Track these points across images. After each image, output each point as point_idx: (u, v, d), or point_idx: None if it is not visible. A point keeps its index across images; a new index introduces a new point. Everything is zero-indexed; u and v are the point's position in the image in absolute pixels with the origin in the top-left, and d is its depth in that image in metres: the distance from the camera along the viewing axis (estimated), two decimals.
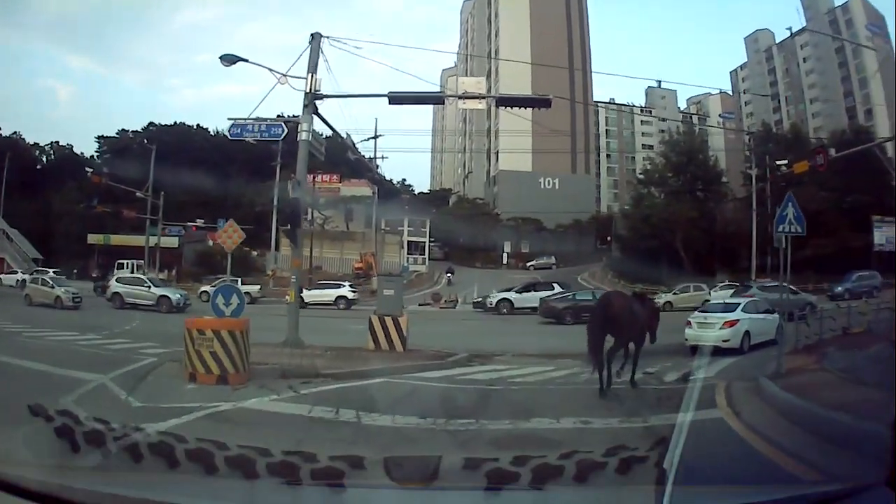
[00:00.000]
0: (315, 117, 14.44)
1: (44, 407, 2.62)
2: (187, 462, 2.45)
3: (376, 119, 79.76)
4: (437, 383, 9.64)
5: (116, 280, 26.80)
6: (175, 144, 51.49)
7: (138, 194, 36.03)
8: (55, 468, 2.50)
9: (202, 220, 42.81)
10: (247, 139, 14.95)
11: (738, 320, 13.99)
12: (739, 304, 15.41)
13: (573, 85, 64.73)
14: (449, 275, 42.29)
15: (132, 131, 60.84)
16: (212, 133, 59.90)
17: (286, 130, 14.75)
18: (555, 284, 29.75)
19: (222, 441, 2.52)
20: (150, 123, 60.50)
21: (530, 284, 30.05)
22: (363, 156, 23.28)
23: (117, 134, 61.18)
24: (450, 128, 78.52)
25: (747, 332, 13.73)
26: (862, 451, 3.60)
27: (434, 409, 7.31)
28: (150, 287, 25.26)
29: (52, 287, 25.06)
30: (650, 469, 2.35)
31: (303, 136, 14.24)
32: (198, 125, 61.90)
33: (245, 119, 14.59)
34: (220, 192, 45.09)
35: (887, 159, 63.92)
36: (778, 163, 40.01)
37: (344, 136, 17.93)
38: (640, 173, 63.09)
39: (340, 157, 52.29)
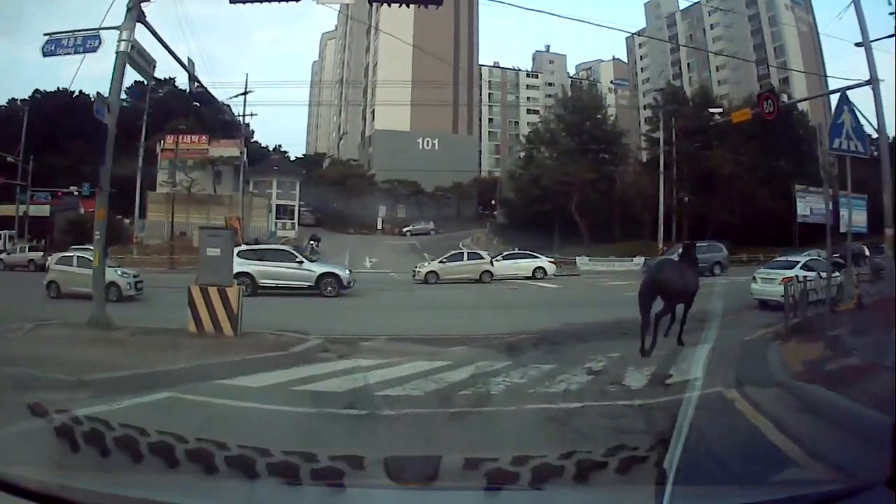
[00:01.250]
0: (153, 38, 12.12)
1: (44, 407, 2.62)
2: (187, 462, 2.45)
3: (247, 74, 79.50)
4: (255, 402, 6.14)
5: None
6: (56, 112, 49.26)
7: (9, 158, 34.91)
8: (55, 468, 2.50)
9: (76, 188, 40.27)
10: (60, 55, 12.22)
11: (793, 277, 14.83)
12: (799, 261, 18.76)
13: (458, 39, 61.95)
14: (312, 243, 37.14)
15: (20, 100, 56.17)
16: (92, 100, 55.86)
17: (102, 41, 12.15)
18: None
19: (222, 441, 2.52)
20: (36, 91, 56.85)
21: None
22: (206, 88, 20.21)
23: (7, 104, 57.13)
24: (328, 94, 74.59)
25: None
26: (862, 451, 3.60)
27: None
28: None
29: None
30: (650, 469, 2.35)
31: (121, 46, 11.66)
32: (80, 92, 54.54)
33: (61, 33, 12.19)
34: (95, 158, 42.56)
35: (809, 128, 62.79)
36: (711, 110, 36.87)
37: (185, 62, 15.29)
38: (529, 132, 59.24)
39: (210, 116, 48.83)
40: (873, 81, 16.06)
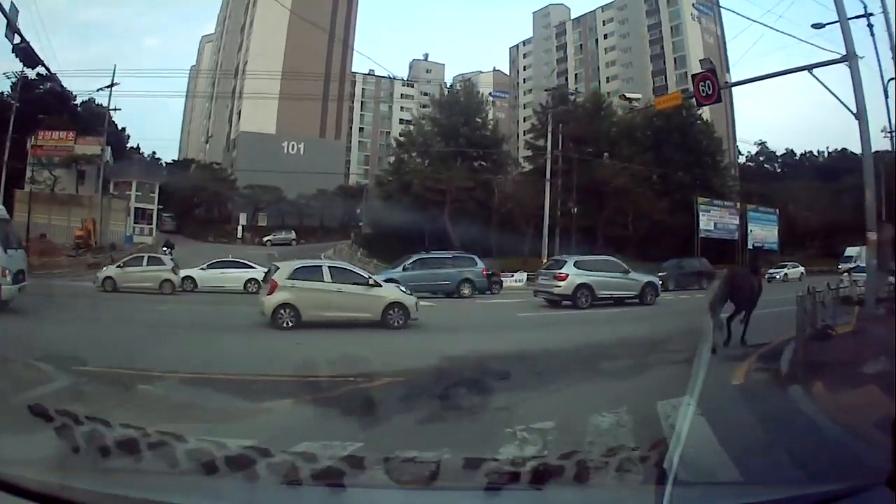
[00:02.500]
0: None
1: (44, 407, 2.62)
2: (187, 462, 2.45)
3: (115, 66, 68.76)
4: None
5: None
6: None
7: None
8: (55, 468, 2.51)
9: None
10: None
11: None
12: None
13: (332, 43, 58.27)
14: (166, 249, 33.82)
15: None
16: None
17: None
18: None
19: (222, 441, 2.52)
20: None
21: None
22: (31, 48, 15.75)
23: None
24: (202, 98, 70.06)
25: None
26: (862, 451, 3.60)
27: None
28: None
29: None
30: (650, 469, 2.35)
31: None
32: None
33: None
34: None
35: (714, 140, 60.69)
36: (629, 95, 33.69)
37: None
38: (401, 135, 55.06)
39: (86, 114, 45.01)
40: (850, 57, 14.17)
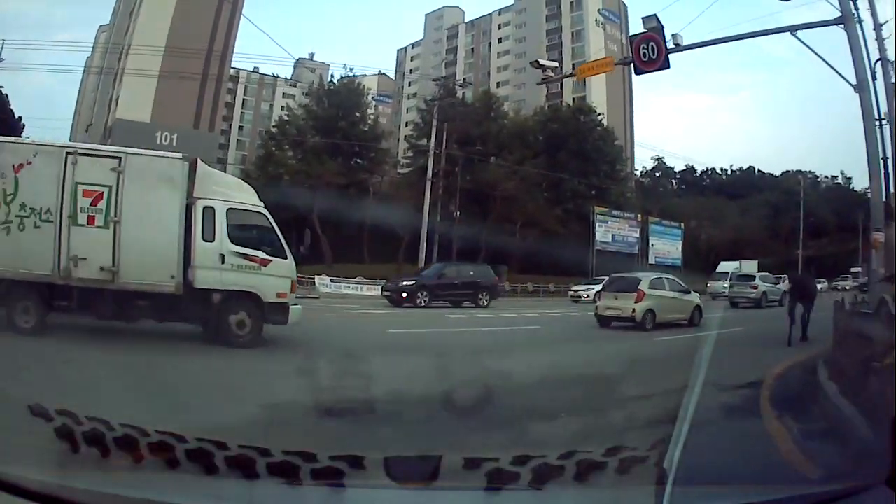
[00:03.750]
0: None
1: (44, 407, 2.62)
2: (187, 462, 2.45)
3: (3, 41, 61.93)
4: None
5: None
6: None
7: None
8: (55, 468, 2.51)
9: None
10: None
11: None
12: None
13: (215, 35, 55.91)
14: None
15: None
16: None
17: None
18: None
19: (222, 441, 2.52)
20: None
21: None
22: None
23: None
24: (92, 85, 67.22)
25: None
26: (862, 451, 3.60)
27: None
28: None
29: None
30: (650, 469, 2.35)
31: None
32: None
33: None
34: None
35: (614, 148, 54.60)
36: (542, 63, 29.55)
37: None
38: (274, 126, 51.57)
39: None
40: (846, 19, 12.46)
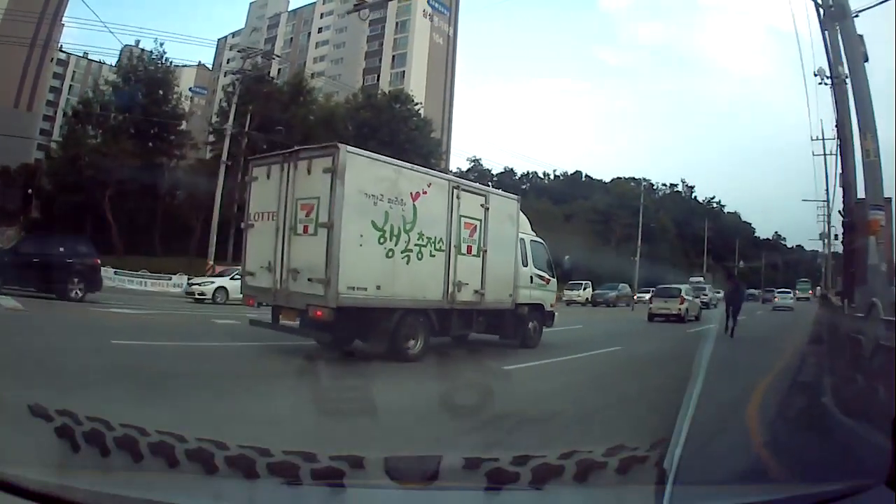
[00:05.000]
0: None
1: (44, 407, 2.62)
2: (187, 462, 2.45)
3: None
4: None
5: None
6: None
7: None
8: (55, 468, 2.51)
9: None
10: None
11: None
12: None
13: (42, 18, 53.86)
14: None
15: None
16: None
17: None
18: None
19: (222, 441, 2.52)
20: None
21: None
22: None
23: None
24: None
25: None
26: (862, 451, 3.60)
27: None
28: None
29: None
30: (650, 469, 2.35)
31: None
32: None
33: None
34: None
35: (431, 140, 52.02)
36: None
37: None
38: (79, 103, 48.29)
39: None
40: None
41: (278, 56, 51.84)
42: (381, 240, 9.71)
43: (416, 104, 51.58)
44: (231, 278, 23.02)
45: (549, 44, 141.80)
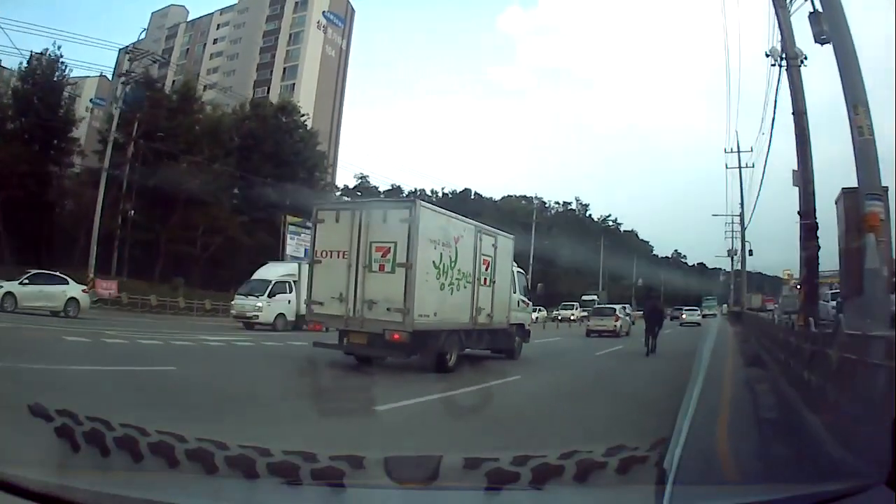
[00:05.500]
0: None
1: (44, 407, 2.62)
2: (187, 462, 2.45)
3: None
4: None
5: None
6: None
7: None
8: (55, 468, 2.51)
9: None
10: None
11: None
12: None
13: None
14: None
15: None
16: None
17: None
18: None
19: (222, 441, 2.52)
20: None
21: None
22: None
23: None
24: None
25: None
26: (862, 451, 3.60)
27: None
28: None
29: None
30: (650, 469, 2.35)
31: None
32: None
33: None
34: None
35: (315, 153, 49.65)
36: None
37: None
38: None
39: None
40: None
41: (162, 58, 50.57)
42: (438, 276, 11.92)
43: (303, 115, 50.68)
44: (20, 283, 22.00)
45: (445, 61, 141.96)
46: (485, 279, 13.42)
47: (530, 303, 17.35)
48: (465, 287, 12.71)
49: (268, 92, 63.34)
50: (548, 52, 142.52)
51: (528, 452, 2.38)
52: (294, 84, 66.43)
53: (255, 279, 25.97)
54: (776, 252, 73.29)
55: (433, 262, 11.72)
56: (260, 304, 24.56)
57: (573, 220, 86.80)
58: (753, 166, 38.44)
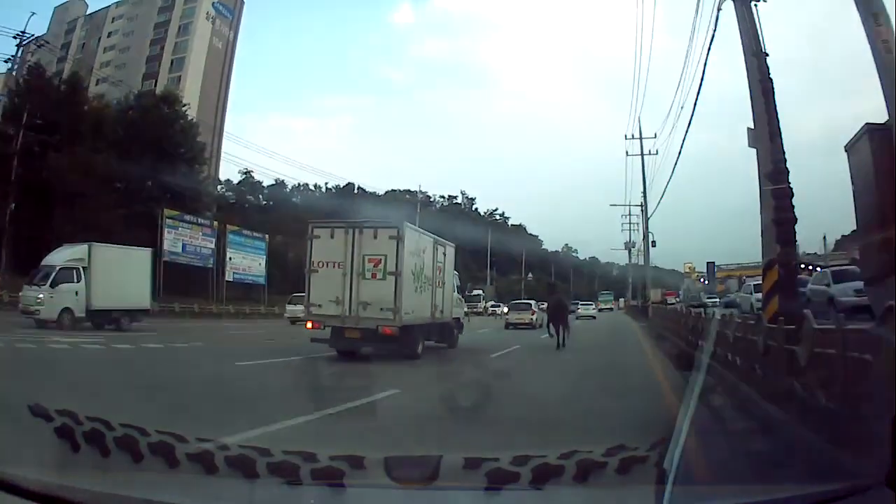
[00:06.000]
0: None
1: (44, 407, 2.62)
2: (187, 462, 2.45)
3: None
4: None
5: None
6: None
7: None
8: (55, 468, 2.51)
9: None
10: None
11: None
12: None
13: None
14: None
15: None
16: None
17: None
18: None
19: (222, 441, 2.52)
20: None
21: None
22: None
23: None
24: None
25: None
26: (862, 451, 3.60)
27: None
28: None
29: None
30: (650, 469, 2.35)
31: None
32: None
33: None
34: None
35: (196, 145, 47.89)
36: None
37: None
38: None
39: None
40: None
41: (47, 42, 48.27)
42: (414, 281, 14.65)
43: (184, 106, 49.84)
44: None
45: (333, 57, 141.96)
46: (439, 282, 16.45)
47: (462, 299, 21.12)
48: (428, 289, 15.62)
49: (155, 84, 62.19)
50: (437, 49, 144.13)
51: (528, 452, 2.38)
52: (179, 76, 65.55)
53: (43, 265, 22.39)
54: (673, 246, 72.83)
55: (412, 270, 14.51)
56: (42, 296, 20.66)
57: (459, 214, 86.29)
58: (657, 153, 37.87)
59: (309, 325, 14.59)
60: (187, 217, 42.39)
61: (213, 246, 44.21)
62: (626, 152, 40.31)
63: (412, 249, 14.52)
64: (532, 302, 35.52)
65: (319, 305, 14.12)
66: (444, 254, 17.02)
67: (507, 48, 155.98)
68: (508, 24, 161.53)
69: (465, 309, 29.57)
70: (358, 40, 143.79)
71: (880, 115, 8.81)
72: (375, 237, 14.01)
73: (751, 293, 24.57)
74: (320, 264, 14.16)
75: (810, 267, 31.44)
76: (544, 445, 2.70)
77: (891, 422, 2.19)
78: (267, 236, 49.80)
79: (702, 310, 18.46)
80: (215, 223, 45.49)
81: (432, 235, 16.81)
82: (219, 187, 62.78)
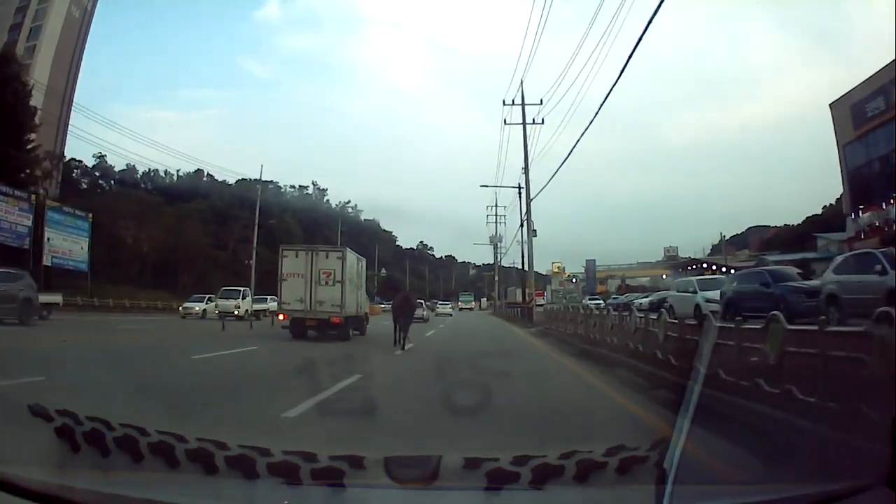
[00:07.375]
0: None
1: (44, 407, 2.62)
2: (187, 462, 2.45)
3: None
4: None
5: None
6: None
7: None
8: (55, 468, 2.51)
9: None
10: None
11: None
12: None
13: None
14: None
15: None
16: None
17: None
18: None
19: (222, 441, 2.52)
20: None
21: None
22: None
23: None
24: None
25: None
26: (862, 451, 3.60)
27: None
28: None
29: None
30: (650, 469, 2.35)
31: None
32: None
33: None
34: None
35: (26, 108, 42.62)
36: None
37: None
38: None
39: None
40: None
41: None
42: (349, 285, 19.61)
43: (25, 65, 46.51)
44: None
45: (195, 48, 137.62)
46: (358, 285, 21.31)
47: (367, 296, 25.04)
48: (355, 291, 20.55)
49: (14, 58, 59.06)
50: (300, 43, 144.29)
51: (528, 452, 2.38)
52: (34, 46, 62.26)
53: None
54: (536, 245, 70.46)
55: (349, 278, 19.53)
56: None
57: (309, 205, 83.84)
58: (543, 122, 31.02)
59: (281, 316, 19.95)
60: (2, 188, 36.46)
61: (29, 224, 38.01)
62: (504, 121, 33.16)
63: (350, 264, 19.96)
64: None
65: (288, 303, 19.31)
66: (361, 264, 22.49)
67: (365, 43, 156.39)
68: (367, 18, 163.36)
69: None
70: (222, 31, 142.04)
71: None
72: (327, 257, 19.55)
73: (695, 291, 18.92)
74: (289, 275, 19.28)
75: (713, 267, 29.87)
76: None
77: (891, 422, 2.20)
78: (91, 215, 44.05)
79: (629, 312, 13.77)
80: (34, 197, 39.37)
81: (356, 253, 22.04)
82: (75, 171, 60.85)
